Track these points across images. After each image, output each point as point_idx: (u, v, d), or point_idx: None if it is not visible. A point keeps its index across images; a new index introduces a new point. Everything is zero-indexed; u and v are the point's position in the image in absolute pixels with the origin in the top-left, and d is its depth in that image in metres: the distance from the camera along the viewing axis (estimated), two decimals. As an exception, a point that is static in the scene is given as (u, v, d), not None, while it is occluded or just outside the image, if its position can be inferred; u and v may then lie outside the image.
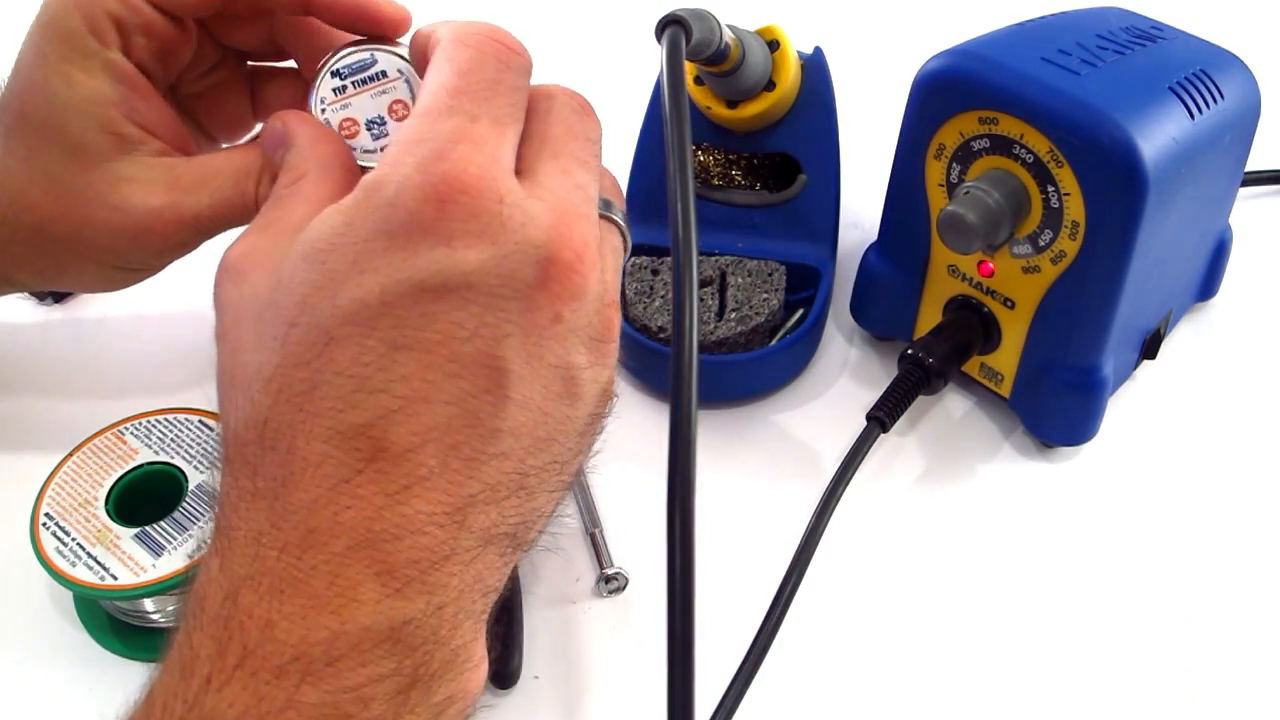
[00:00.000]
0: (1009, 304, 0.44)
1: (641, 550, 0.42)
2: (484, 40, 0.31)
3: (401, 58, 0.37)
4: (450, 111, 0.30)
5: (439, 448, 0.28)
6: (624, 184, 0.51)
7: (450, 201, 0.28)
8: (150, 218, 0.38)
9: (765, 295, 0.48)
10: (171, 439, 0.41)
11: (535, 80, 0.32)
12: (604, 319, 0.30)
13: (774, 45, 0.47)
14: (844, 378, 0.50)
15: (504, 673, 0.38)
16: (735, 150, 0.51)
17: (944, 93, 0.42)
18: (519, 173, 0.30)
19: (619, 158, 0.52)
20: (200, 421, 0.41)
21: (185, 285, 0.54)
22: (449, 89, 0.30)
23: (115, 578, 0.36)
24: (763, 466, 0.46)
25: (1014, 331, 0.44)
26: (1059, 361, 0.43)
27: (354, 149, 0.37)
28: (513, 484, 0.29)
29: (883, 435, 0.43)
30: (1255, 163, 0.48)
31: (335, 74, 0.37)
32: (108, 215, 0.38)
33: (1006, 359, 0.45)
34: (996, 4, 0.52)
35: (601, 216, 0.32)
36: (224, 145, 0.45)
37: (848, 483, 0.41)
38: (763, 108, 0.47)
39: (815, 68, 0.49)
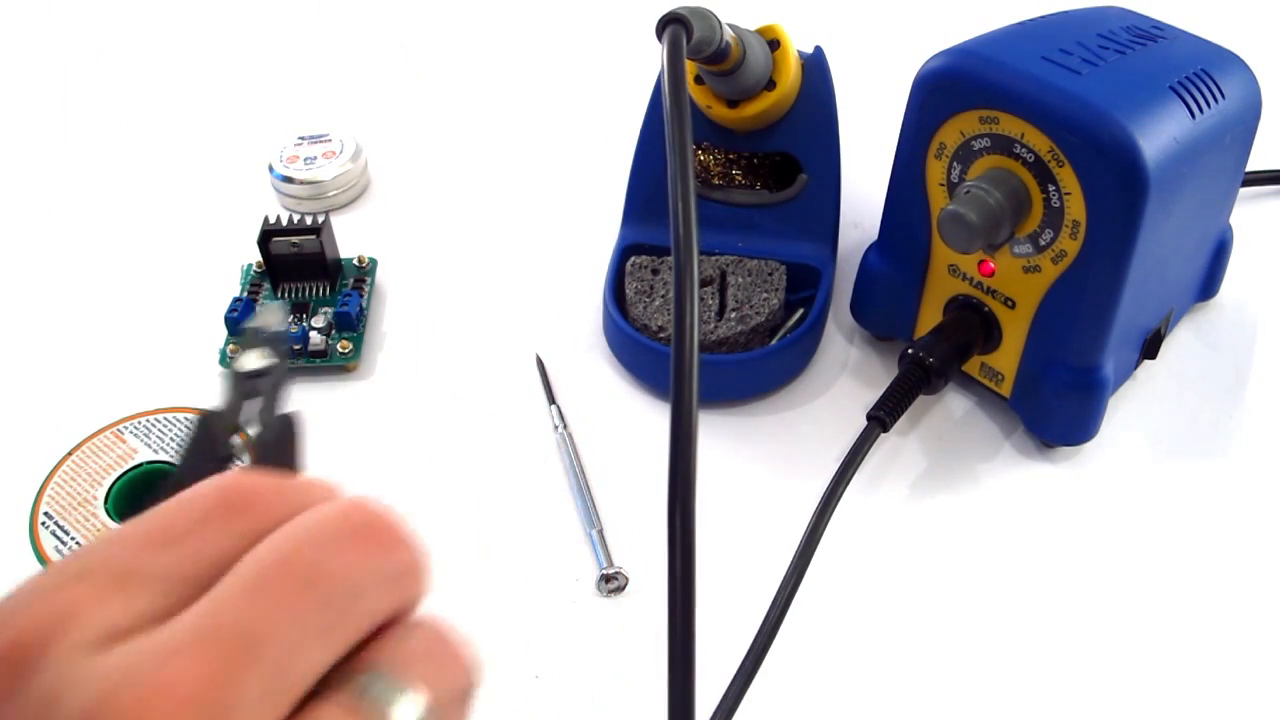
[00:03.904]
0: (1009, 303, 0.44)
1: (641, 550, 0.42)
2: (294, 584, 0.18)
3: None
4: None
5: None
6: (625, 184, 0.52)
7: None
8: None
9: (765, 295, 0.48)
10: (171, 438, 0.41)
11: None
12: None
13: (774, 44, 0.47)
14: (844, 378, 0.50)
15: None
16: (735, 150, 0.51)
17: (944, 92, 0.42)
18: None
19: (619, 158, 0.52)
20: (200, 421, 0.41)
21: (185, 285, 0.54)
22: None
23: (114, 577, 0.36)
24: (763, 466, 0.46)
25: (1014, 331, 0.44)
26: (1059, 361, 0.43)
27: None
28: None
29: (883, 435, 0.43)
30: (1255, 163, 0.48)
31: None
32: None
33: (1007, 358, 0.45)
34: (996, 4, 0.52)
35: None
36: None
37: (848, 482, 0.41)
38: (763, 107, 0.47)
39: (815, 67, 0.49)
